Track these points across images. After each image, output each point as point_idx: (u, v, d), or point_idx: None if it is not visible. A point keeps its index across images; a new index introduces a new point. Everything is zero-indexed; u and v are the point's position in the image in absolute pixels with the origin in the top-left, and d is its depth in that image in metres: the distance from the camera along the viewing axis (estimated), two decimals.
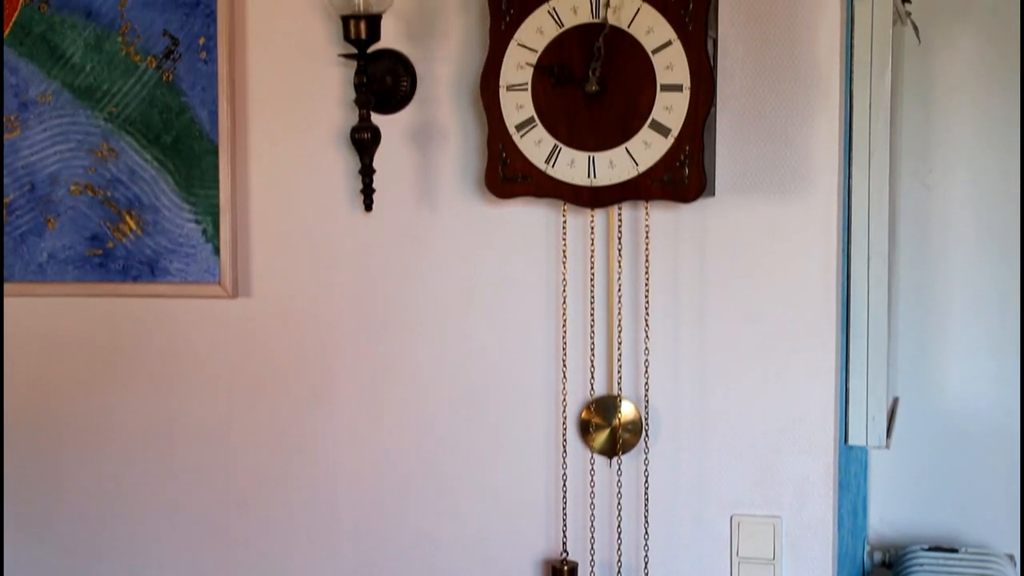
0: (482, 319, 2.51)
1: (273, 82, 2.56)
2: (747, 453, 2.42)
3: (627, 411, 2.44)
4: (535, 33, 2.29)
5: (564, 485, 2.49)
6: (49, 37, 2.62)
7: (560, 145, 2.30)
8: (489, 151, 2.34)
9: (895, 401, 2.97)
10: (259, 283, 2.60)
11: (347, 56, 2.40)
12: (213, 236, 2.58)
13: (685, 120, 2.24)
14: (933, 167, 3.25)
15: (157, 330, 2.65)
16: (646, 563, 2.45)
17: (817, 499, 2.40)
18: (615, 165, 2.28)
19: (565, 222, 2.43)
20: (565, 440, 2.47)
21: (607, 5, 2.25)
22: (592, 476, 2.47)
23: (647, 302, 2.41)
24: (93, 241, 2.63)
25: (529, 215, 2.46)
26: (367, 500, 2.59)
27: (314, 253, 2.57)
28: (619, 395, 2.43)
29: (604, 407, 2.45)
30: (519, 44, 2.30)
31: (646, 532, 2.45)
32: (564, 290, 2.46)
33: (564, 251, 2.44)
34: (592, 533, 2.48)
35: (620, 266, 2.41)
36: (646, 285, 2.41)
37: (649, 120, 2.25)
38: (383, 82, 2.47)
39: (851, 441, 2.55)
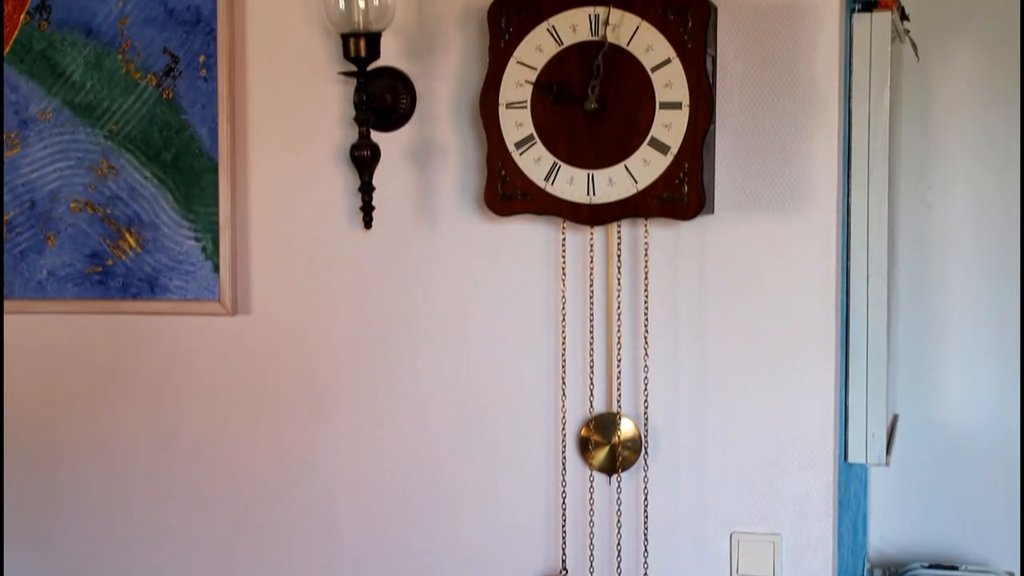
0: (481, 336, 2.51)
1: (273, 100, 2.57)
2: (747, 470, 2.41)
3: (626, 428, 2.44)
4: (534, 51, 2.29)
5: (563, 502, 2.48)
6: (49, 55, 2.62)
7: (559, 163, 2.30)
8: (488, 168, 2.34)
9: (895, 418, 2.97)
10: (259, 300, 2.60)
11: (347, 74, 2.41)
12: (213, 253, 2.58)
13: (684, 138, 2.24)
14: (932, 184, 3.25)
15: (157, 347, 2.65)
16: None
17: (817, 516, 2.40)
18: (614, 183, 2.28)
19: (564, 239, 2.43)
20: (564, 457, 2.47)
21: (606, 23, 2.25)
22: (591, 493, 2.47)
23: (646, 319, 2.41)
24: (93, 258, 2.63)
25: (528, 232, 2.46)
26: (366, 516, 2.59)
27: (314, 270, 2.57)
28: (618, 412, 2.43)
29: (603, 424, 2.45)
30: (518, 62, 2.30)
31: (646, 550, 2.45)
32: (563, 307, 2.46)
33: (563, 268, 2.44)
34: (591, 551, 2.47)
35: (619, 283, 2.41)
36: (645, 302, 2.41)
37: (648, 138, 2.26)
38: (383, 100, 2.48)
39: (851, 458, 2.55)
